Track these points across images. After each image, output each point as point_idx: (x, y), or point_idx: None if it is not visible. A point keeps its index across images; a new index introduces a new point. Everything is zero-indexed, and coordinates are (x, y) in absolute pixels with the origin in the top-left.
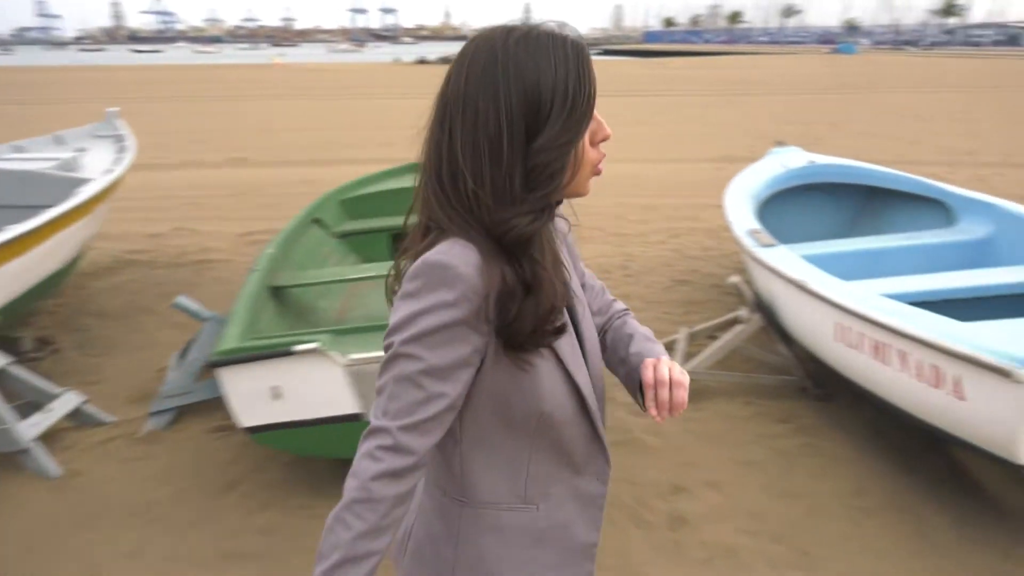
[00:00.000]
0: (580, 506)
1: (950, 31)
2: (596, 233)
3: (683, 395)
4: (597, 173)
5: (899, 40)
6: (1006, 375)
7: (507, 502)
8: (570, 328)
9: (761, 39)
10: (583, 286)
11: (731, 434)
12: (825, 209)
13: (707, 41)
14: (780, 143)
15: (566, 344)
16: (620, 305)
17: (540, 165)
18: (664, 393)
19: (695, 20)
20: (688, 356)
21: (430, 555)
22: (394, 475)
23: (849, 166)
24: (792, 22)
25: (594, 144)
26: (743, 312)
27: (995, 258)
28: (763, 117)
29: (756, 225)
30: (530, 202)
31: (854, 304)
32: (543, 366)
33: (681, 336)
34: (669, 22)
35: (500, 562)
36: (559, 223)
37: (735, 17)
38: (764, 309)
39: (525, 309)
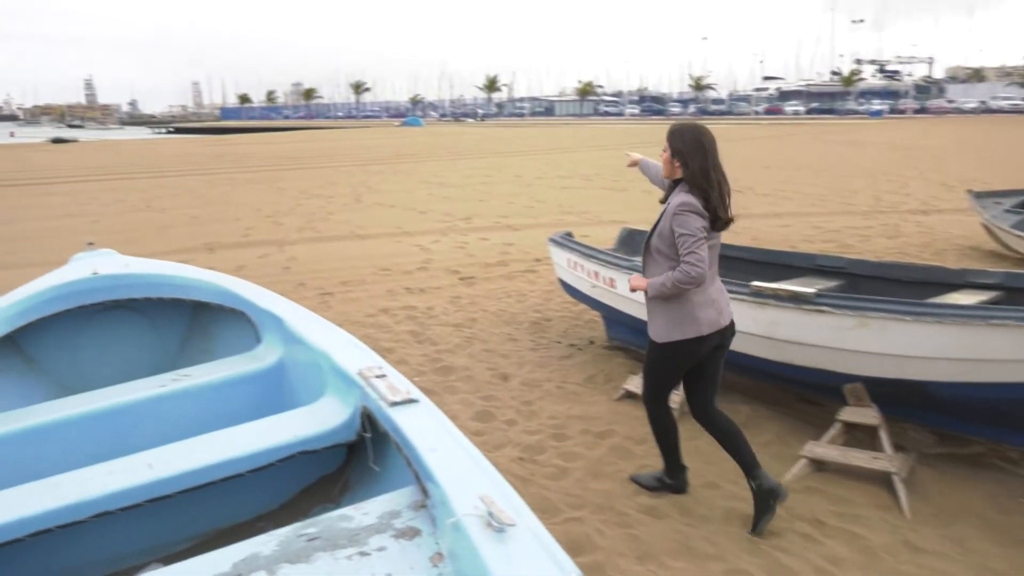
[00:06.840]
0: None
1: (500, 104)
2: None
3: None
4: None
5: (458, 112)
6: None
7: None
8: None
9: (338, 114)
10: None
11: None
12: (142, 336)
13: (286, 116)
14: (91, 244)
15: None
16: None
17: None
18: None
19: (271, 96)
20: None
21: None
22: None
23: (144, 276)
24: (366, 97)
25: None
26: None
27: (290, 397)
28: (293, 192)
29: None
30: None
31: None
32: None
33: None
34: (244, 99)
35: None
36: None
37: (310, 93)
38: None
39: None
